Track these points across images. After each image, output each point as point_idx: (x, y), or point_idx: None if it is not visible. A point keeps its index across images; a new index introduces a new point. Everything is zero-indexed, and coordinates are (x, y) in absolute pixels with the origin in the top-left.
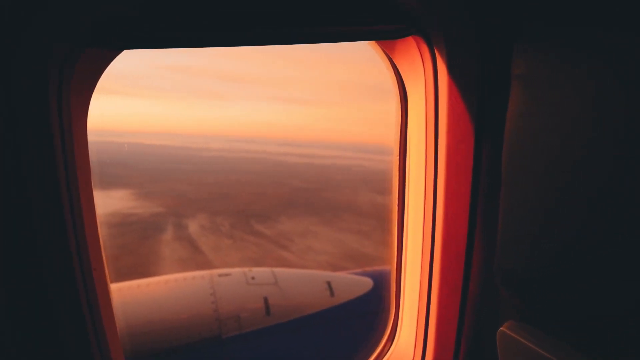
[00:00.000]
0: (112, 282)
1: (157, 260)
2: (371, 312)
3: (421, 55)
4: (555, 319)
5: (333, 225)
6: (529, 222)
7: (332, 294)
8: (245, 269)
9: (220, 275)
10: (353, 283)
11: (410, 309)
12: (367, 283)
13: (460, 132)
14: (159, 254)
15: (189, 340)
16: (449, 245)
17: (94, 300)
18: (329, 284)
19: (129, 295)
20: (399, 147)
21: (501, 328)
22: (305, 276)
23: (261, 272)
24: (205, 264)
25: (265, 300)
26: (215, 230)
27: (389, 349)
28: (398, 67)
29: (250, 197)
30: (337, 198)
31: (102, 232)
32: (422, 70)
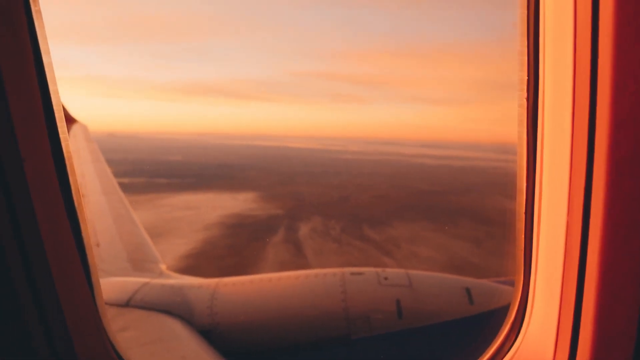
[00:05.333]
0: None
1: (257, 262)
2: None
3: None
4: None
5: (446, 231)
6: None
7: (471, 301)
8: (379, 269)
9: (352, 274)
10: (495, 292)
11: (546, 288)
12: (511, 293)
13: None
14: (261, 256)
15: (317, 339)
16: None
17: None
18: (468, 290)
19: (259, 289)
20: (526, 84)
21: None
22: (442, 280)
23: (394, 273)
24: (303, 268)
25: (398, 302)
26: (324, 234)
27: (513, 341)
28: None
29: (371, 201)
30: (461, 202)
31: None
32: None
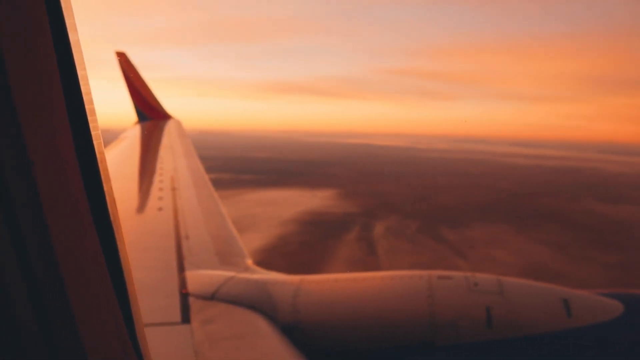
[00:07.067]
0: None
1: (327, 259)
2: (618, 342)
3: None
4: None
5: (529, 235)
6: None
7: (569, 314)
8: (468, 274)
9: (439, 278)
10: (597, 305)
11: None
12: (616, 307)
13: None
14: (332, 253)
15: (399, 343)
16: None
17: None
18: (565, 302)
19: (343, 288)
20: None
21: None
22: (536, 289)
23: (485, 278)
24: (373, 267)
25: (488, 310)
26: (399, 233)
27: None
28: None
29: (451, 201)
30: (549, 205)
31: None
32: None
